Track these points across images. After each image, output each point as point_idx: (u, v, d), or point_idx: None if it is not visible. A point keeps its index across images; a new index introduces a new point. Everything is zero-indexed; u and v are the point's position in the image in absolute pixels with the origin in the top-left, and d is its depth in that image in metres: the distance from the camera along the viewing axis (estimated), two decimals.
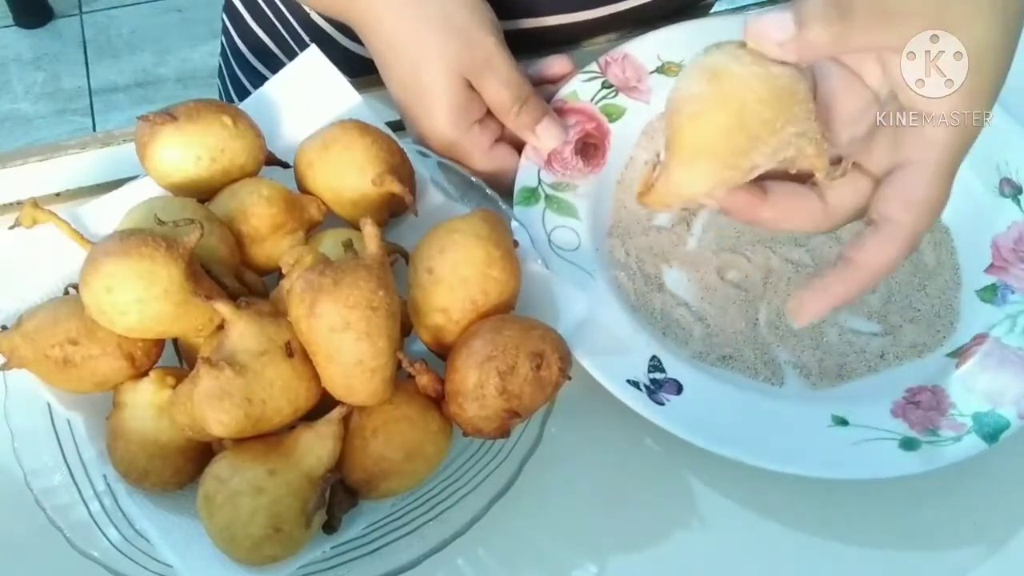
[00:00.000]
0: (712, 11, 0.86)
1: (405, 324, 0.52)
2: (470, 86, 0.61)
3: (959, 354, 0.58)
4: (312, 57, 0.63)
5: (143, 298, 0.47)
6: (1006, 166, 0.64)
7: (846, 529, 0.55)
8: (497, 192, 0.60)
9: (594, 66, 0.68)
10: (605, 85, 0.67)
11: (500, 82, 0.60)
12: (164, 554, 0.47)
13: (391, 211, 0.58)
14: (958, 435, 0.54)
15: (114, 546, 0.48)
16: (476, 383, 0.48)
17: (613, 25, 0.75)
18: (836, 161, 0.45)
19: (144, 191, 0.57)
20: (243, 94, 0.64)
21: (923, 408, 0.55)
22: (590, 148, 0.65)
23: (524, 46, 0.66)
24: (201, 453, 0.50)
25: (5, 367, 0.50)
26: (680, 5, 0.77)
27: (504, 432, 0.49)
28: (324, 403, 0.49)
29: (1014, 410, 0.54)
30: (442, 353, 0.53)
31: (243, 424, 0.46)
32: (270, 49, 0.85)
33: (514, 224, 0.58)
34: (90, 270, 0.47)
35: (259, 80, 0.65)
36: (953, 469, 0.53)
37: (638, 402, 0.54)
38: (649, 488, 0.56)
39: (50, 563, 0.50)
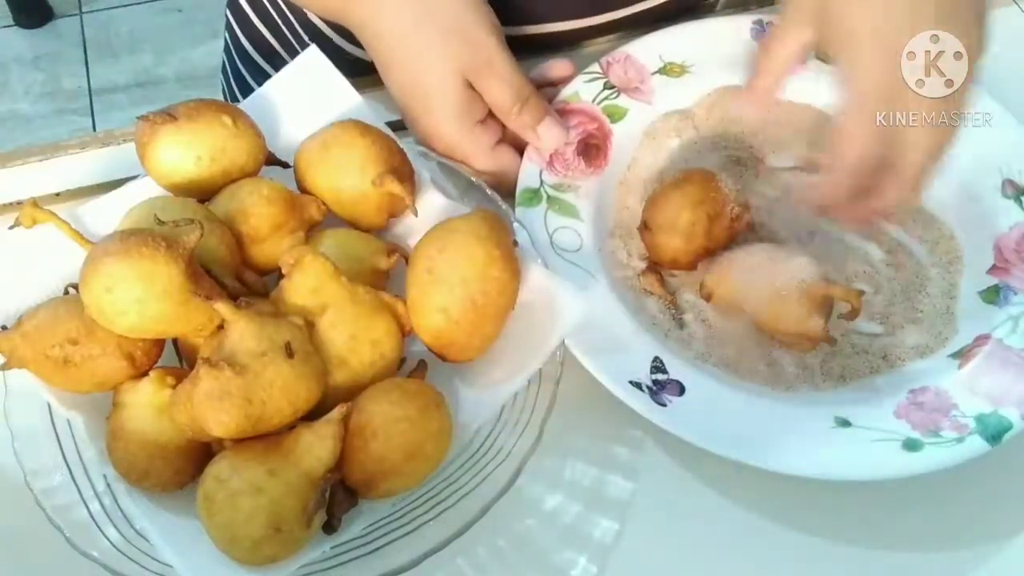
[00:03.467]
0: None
1: (405, 324, 0.52)
2: (471, 86, 0.60)
3: (961, 355, 0.58)
4: (312, 57, 0.63)
5: (143, 298, 0.47)
6: (1008, 167, 0.64)
7: (848, 530, 0.55)
8: (499, 193, 0.59)
9: (596, 67, 0.68)
10: (607, 86, 0.67)
11: (501, 82, 0.60)
12: (164, 554, 0.47)
13: (391, 211, 0.58)
14: (961, 436, 0.54)
15: (114, 546, 0.48)
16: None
17: (614, 29, 0.75)
18: None
19: (144, 191, 0.57)
20: (247, 91, 0.64)
21: (926, 409, 0.55)
22: (592, 149, 0.65)
23: (526, 51, 0.65)
24: (201, 453, 0.50)
25: (5, 367, 0.50)
26: (681, 8, 0.77)
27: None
28: (324, 403, 0.49)
29: (1017, 411, 0.54)
30: (442, 353, 0.52)
31: (243, 424, 0.46)
32: (274, 47, 0.84)
33: (514, 224, 0.58)
34: (90, 270, 0.47)
35: (263, 77, 0.65)
36: (956, 470, 0.53)
37: (641, 403, 0.54)
38: (649, 488, 0.56)
39: (50, 563, 0.50)
